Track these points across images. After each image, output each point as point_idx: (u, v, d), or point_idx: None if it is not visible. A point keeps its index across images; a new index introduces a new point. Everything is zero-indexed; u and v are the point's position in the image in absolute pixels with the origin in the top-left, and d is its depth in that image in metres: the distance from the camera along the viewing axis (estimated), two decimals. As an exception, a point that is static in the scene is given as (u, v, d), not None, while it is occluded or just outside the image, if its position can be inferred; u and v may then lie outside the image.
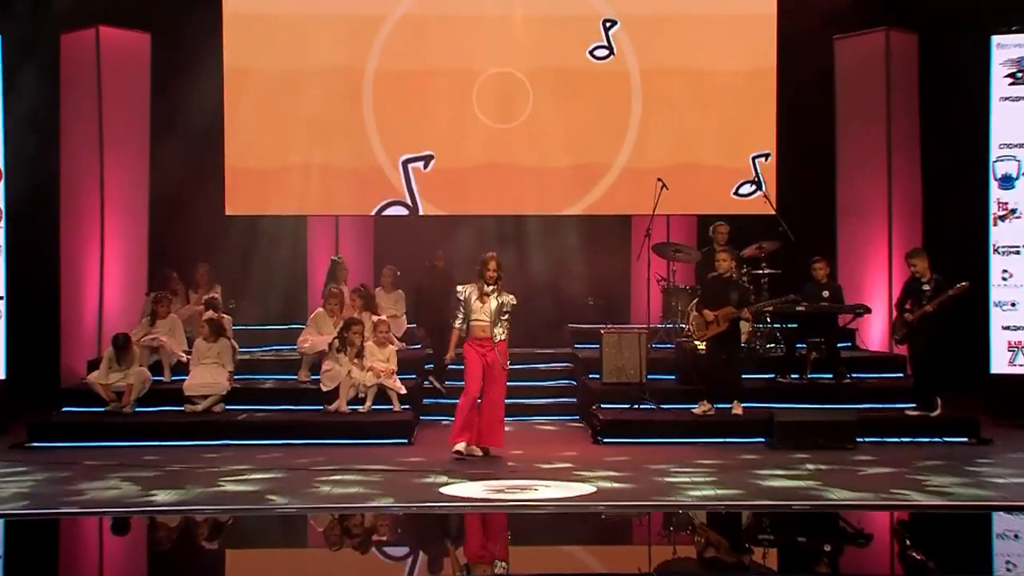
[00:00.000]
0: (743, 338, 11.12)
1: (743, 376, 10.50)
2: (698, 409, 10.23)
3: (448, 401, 11.40)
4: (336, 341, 10.62)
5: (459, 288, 9.32)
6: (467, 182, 12.20)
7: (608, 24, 11.94)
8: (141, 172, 12.30)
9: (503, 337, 9.23)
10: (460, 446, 9.17)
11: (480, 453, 9.29)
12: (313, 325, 11.25)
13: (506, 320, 9.28)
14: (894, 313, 10.60)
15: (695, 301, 11.17)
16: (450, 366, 10.00)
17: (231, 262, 12.40)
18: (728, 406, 10.25)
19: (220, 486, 8.33)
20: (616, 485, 8.36)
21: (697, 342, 10.63)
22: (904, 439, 9.97)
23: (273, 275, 12.54)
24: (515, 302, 9.32)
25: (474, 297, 9.20)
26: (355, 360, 10.52)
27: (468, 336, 9.22)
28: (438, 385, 11.39)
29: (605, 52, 12.05)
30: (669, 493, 8.13)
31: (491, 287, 9.19)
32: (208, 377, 10.54)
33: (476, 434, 9.29)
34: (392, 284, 12.28)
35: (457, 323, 9.25)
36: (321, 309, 11.34)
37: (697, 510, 7.85)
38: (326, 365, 10.64)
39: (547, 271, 12.23)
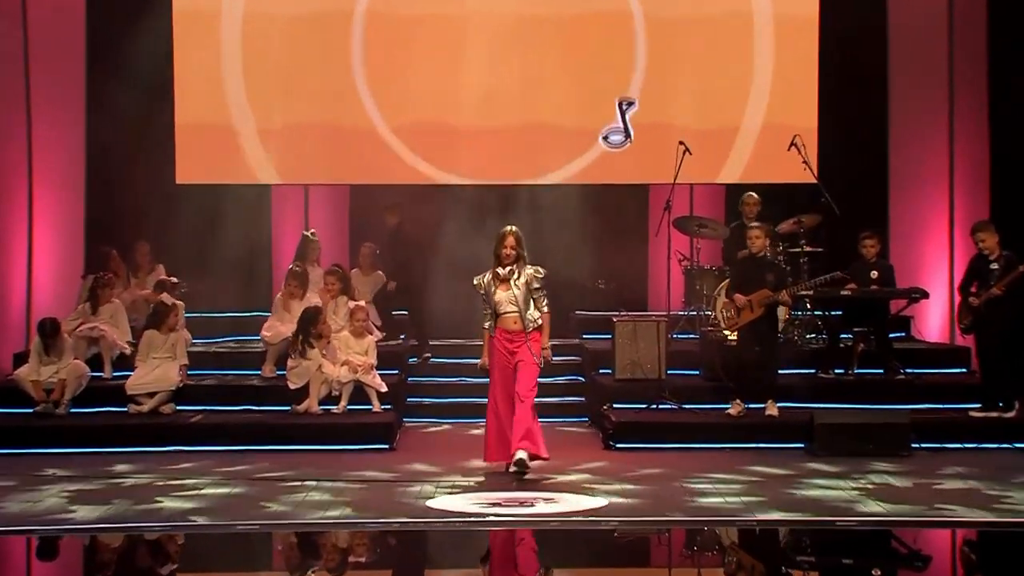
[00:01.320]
0: (778, 329, 11.05)
1: (779, 372, 10.43)
2: (732, 410, 10.18)
3: (437, 400, 11.36)
4: (299, 335, 10.52)
5: (475, 281, 9.02)
6: (463, 146, 12.20)
7: (625, 106, 11.90)
8: (76, 135, 12.19)
9: (542, 315, 8.80)
10: (520, 456, 8.76)
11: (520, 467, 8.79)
12: (277, 311, 11.21)
13: (542, 295, 8.87)
14: (957, 297, 10.55)
15: (723, 284, 11.10)
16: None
17: (183, 239, 12.33)
18: (761, 406, 10.20)
19: (170, 499, 8.29)
20: (631, 498, 8.33)
21: (727, 332, 10.57)
22: (968, 445, 9.93)
23: (232, 254, 12.43)
24: (542, 272, 8.96)
25: (493, 286, 8.88)
26: (324, 353, 10.45)
27: (496, 330, 8.85)
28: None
29: (620, 138, 12.03)
30: (693, 507, 8.10)
31: (508, 268, 8.84)
32: (156, 372, 10.49)
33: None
34: (371, 264, 12.21)
35: (487, 324, 8.88)
36: (282, 293, 11.29)
37: (725, 527, 7.82)
38: (293, 360, 10.58)
39: (549, 249, 12.14)
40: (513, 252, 8.90)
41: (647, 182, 12.47)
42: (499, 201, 12.35)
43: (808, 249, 11.46)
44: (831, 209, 11.27)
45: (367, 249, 12.31)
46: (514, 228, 9.01)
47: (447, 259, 11.91)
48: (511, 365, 8.88)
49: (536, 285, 8.90)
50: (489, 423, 8.99)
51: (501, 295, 8.86)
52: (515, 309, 8.84)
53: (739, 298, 10.17)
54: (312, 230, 12.36)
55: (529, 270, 8.91)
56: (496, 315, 8.88)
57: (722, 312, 10.61)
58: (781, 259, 11.34)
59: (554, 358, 11.84)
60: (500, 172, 12.26)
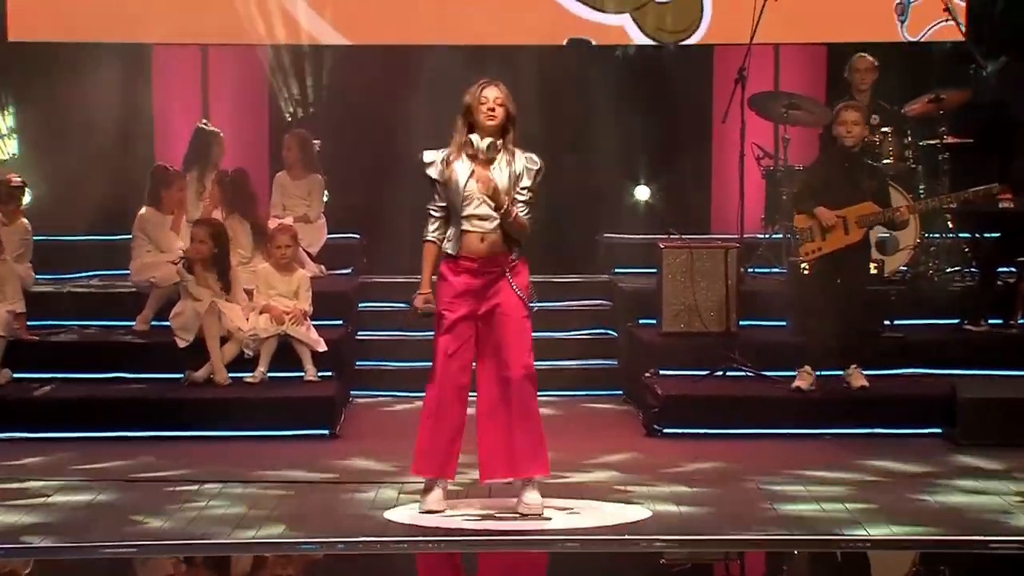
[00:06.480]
0: (904, 259, 11.05)
1: (889, 324, 10.64)
2: (800, 381, 10.15)
3: (399, 365, 11.41)
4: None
5: (427, 159, 7.99)
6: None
7: None
8: None
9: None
10: (439, 485, 8.18)
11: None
12: (142, 236, 11.22)
13: (525, 207, 7.93)
14: None
15: (796, 193, 11.03)
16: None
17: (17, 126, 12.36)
18: (839, 373, 10.22)
19: (6, 508, 8.32)
20: (684, 507, 8.39)
21: (802, 261, 10.59)
22: None
23: (94, 150, 12.49)
24: (538, 163, 8.02)
25: (461, 168, 7.91)
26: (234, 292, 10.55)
27: (454, 252, 7.94)
28: None
29: None
30: (774, 522, 8.15)
31: (490, 140, 7.87)
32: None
33: (487, 455, 8.18)
34: (303, 164, 12.23)
35: (431, 229, 7.98)
36: (146, 209, 11.27)
37: (825, 549, 7.86)
38: (180, 306, 10.64)
39: (566, 141, 12.14)
40: (501, 112, 7.92)
41: (710, 42, 12.53)
42: (474, 66, 12.30)
43: (950, 140, 11.46)
44: (984, 80, 11.28)
45: (296, 139, 12.27)
46: (488, 79, 8.02)
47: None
48: (477, 314, 8.03)
49: (527, 183, 8.01)
50: (431, 419, 8.11)
51: (475, 185, 7.91)
52: (495, 213, 7.90)
53: (825, 213, 10.11)
54: (207, 120, 12.32)
55: (522, 158, 8.02)
56: (456, 222, 7.93)
57: (802, 233, 10.52)
58: (910, 156, 11.32)
59: (573, 303, 12.05)
60: (484, 30, 12.35)
